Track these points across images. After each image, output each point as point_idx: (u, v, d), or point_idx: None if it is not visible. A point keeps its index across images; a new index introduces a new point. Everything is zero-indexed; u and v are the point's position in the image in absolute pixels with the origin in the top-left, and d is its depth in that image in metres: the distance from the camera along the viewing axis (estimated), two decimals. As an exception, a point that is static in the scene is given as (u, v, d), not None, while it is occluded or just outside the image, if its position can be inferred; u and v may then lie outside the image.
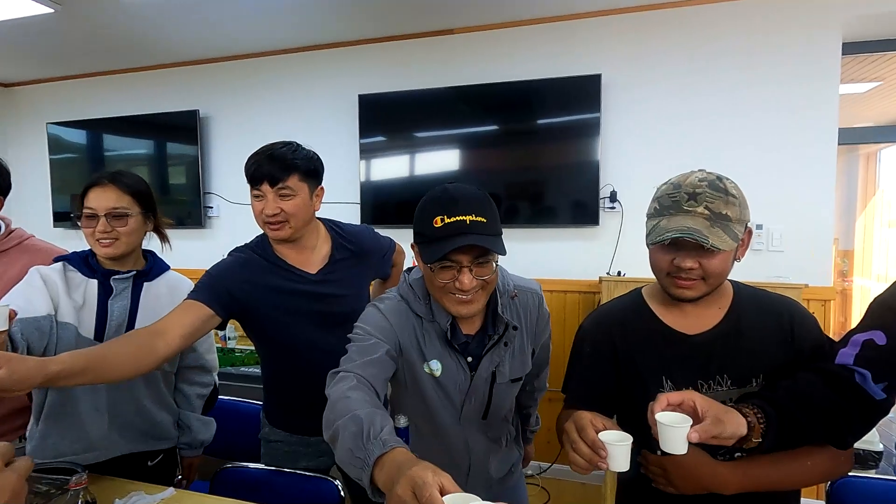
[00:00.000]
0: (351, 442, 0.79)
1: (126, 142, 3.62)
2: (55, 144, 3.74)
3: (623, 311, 1.11)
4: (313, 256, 1.38)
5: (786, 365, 0.99)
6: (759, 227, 2.52)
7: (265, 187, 1.26)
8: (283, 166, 1.25)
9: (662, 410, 0.84)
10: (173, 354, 1.18)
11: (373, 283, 1.60)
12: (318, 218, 1.41)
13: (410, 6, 2.65)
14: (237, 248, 1.39)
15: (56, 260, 1.34)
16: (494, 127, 2.88)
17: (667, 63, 2.64)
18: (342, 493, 1.31)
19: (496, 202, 1.04)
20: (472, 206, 0.96)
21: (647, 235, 0.98)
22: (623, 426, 1.02)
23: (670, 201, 0.96)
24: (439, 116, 2.93)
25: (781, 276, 2.42)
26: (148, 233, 1.41)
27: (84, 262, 1.34)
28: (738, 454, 0.98)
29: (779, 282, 2.27)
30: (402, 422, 0.99)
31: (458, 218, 0.94)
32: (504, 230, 1.03)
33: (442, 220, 0.95)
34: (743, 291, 1.07)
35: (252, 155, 1.30)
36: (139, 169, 3.60)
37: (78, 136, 3.71)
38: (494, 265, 1.00)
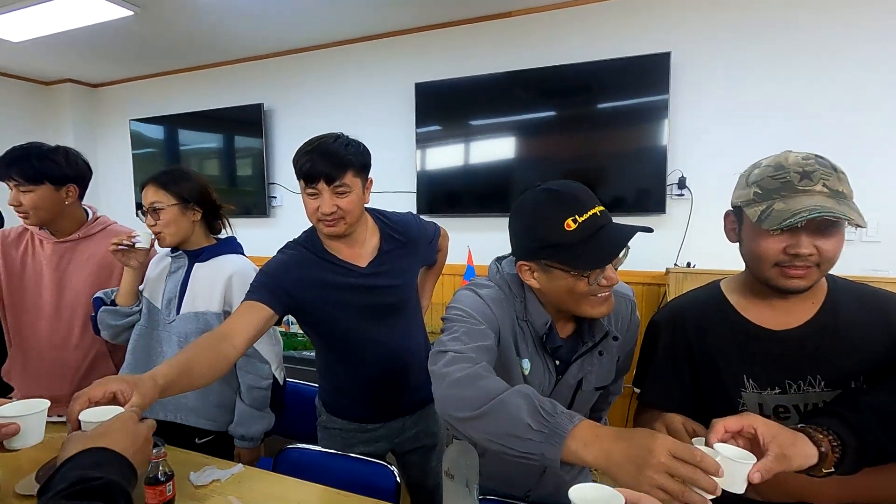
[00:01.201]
0: (529, 417, 0.76)
1: (198, 136, 3.83)
2: (137, 140, 4.03)
3: (700, 305, 1.03)
4: (363, 250, 1.36)
5: (889, 367, 0.88)
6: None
7: (321, 185, 1.23)
8: (338, 163, 1.22)
9: (720, 440, 0.74)
10: (240, 355, 1.19)
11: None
12: (368, 210, 1.40)
13: (467, -10, 2.60)
14: (288, 244, 1.38)
15: None
16: (552, 112, 2.78)
17: (742, 41, 2.43)
18: (398, 479, 1.32)
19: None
20: (591, 198, 0.91)
21: (761, 221, 0.86)
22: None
23: (778, 183, 0.87)
24: (495, 103, 2.87)
25: (878, 268, 2.18)
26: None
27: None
28: None
29: (876, 275, 2.05)
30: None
31: (590, 213, 0.89)
32: None
33: (574, 220, 0.88)
34: (840, 284, 0.98)
35: (301, 150, 1.26)
36: (210, 162, 3.81)
37: (156, 132, 3.97)
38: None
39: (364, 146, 1.32)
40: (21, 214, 1.50)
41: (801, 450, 0.74)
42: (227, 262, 1.51)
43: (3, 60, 3.63)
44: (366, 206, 1.36)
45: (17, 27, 2.94)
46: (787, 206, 0.84)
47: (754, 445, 0.75)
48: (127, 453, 0.71)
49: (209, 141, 3.79)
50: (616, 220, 0.92)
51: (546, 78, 2.73)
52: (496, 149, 2.91)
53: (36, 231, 1.60)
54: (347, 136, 1.30)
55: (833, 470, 0.76)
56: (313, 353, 2.52)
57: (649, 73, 2.53)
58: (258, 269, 1.39)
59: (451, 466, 0.89)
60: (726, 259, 2.31)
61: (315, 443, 1.49)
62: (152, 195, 1.43)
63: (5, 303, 1.61)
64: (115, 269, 1.59)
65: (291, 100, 3.51)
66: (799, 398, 0.92)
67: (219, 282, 1.45)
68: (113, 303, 1.49)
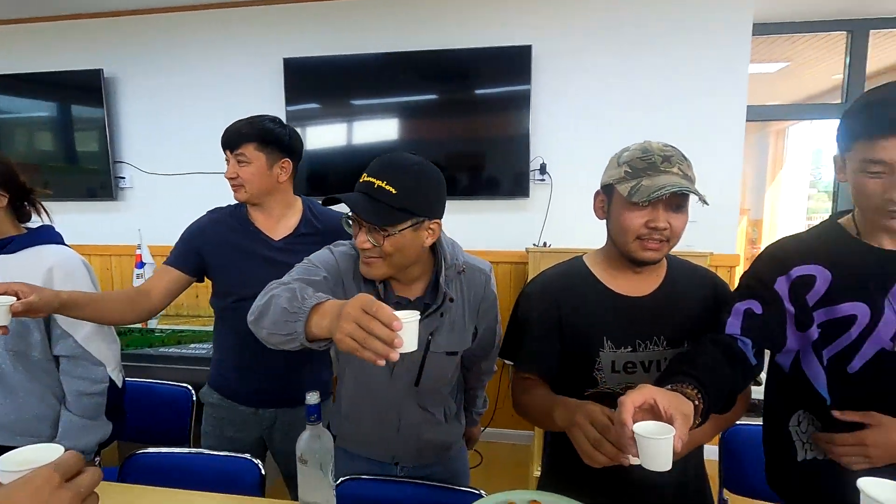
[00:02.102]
0: (286, 303, 0.87)
1: (24, 103, 3.24)
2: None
3: (566, 276, 1.15)
4: (279, 225, 1.48)
5: (708, 329, 1.05)
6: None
7: (227, 153, 1.42)
8: (239, 136, 1.39)
9: (631, 418, 0.75)
10: (157, 310, 1.42)
11: None
12: (301, 196, 1.53)
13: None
14: (215, 207, 1.54)
15: None
16: (434, 96, 2.83)
17: (594, 40, 2.68)
18: (262, 472, 1.30)
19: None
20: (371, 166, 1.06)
21: (630, 196, 0.98)
22: (561, 389, 1.09)
23: (645, 164, 1.00)
24: (376, 84, 2.83)
25: (689, 244, 2.60)
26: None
27: None
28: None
29: (687, 250, 2.43)
30: (313, 398, 0.98)
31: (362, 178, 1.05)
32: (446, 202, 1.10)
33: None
34: (675, 261, 1.16)
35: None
36: (42, 134, 3.27)
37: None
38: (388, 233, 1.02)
39: (278, 128, 1.44)
40: None
41: (689, 407, 0.80)
42: (44, 253, 1.31)
43: None
44: (306, 196, 1.54)
45: None
46: (653, 182, 0.97)
47: (654, 415, 0.77)
48: None
49: (39, 109, 3.24)
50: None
51: (426, 61, 2.76)
52: (380, 130, 2.89)
53: None
54: (272, 119, 1.45)
55: (700, 421, 0.84)
56: (171, 350, 2.37)
57: (514, 63, 2.68)
58: (85, 260, 1.29)
59: (304, 452, 0.91)
60: (578, 239, 2.62)
61: (179, 445, 1.41)
62: None
63: None
64: None
65: (140, 68, 3.12)
66: (645, 356, 1.08)
67: (36, 277, 1.24)
68: None
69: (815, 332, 0.97)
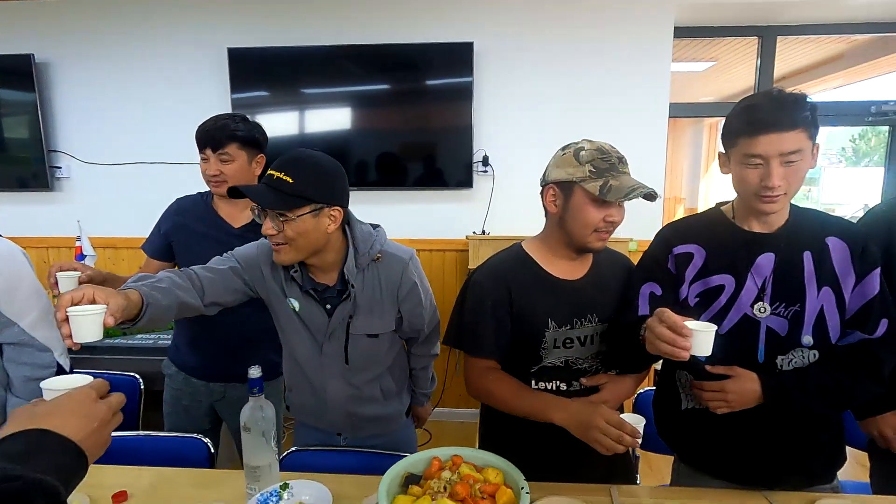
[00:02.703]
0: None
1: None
2: None
3: (511, 263, 1.25)
4: (241, 214, 1.59)
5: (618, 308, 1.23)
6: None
7: (207, 151, 1.52)
8: (223, 135, 1.51)
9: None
10: None
11: None
12: None
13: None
14: (183, 196, 1.67)
15: None
16: (385, 86, 2.89)
17: (532, 36, 2.83)
18: (211, 450, 1.38)
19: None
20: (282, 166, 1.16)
21: (604, 194, 1.08)
22: (509, 367, 1.23)
23: (607, 164, 1.11)
24: (327, 73, 2.88)
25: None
26: None
27: None
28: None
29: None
30: (255, 372, 1.07)
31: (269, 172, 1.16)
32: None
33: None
34: None
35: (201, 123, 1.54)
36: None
37: None
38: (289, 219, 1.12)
39: (257, 127, 1.58)
40: None
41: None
42: None
43: None
44: None
45: None
46: (621, 183, 1.09)
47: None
48: (76, 437, 0.59)
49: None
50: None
51: (375, 54, 2.83)
52: (332, 118, 2.93)
53: None
54: (245, 118, 1.58)
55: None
56: (119, 341, 2.35)
57: (457, 58, 2.78)
58: (24, 252, 1.33)
59: (247, 421, 1.01)
60: (517, 228, 2.78)
61: (131, 430, 1.48)
62: None
63: None
64: None
65: (75, 53, 3.01)
66: (580, 332, 1.21)
67: None
68: None
69: (693, 300, 1.16)
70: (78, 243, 2.79)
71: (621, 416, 1.02)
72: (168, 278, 1.16)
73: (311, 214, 1.13)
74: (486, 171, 2.93)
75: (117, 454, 1.35)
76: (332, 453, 1.33)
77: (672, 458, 1.37)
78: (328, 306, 1.27)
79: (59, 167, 3.10)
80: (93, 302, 0.92)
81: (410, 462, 1.05)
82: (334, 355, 1.29)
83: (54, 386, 0.73)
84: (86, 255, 2.79)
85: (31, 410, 0.62)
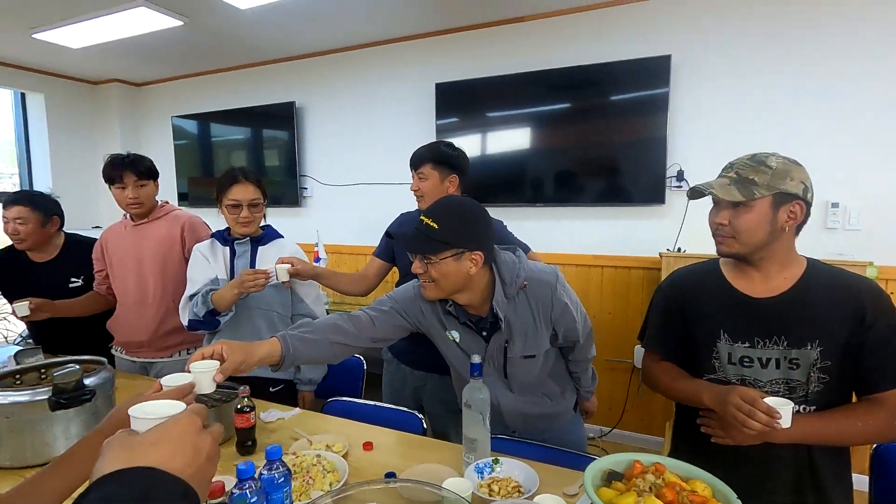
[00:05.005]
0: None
1: (231, 130, 4.13)
2: (178, 134, 4.36)
3: (697, 274, 1.28)
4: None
5: (851, 338, 1.10)
6: (835, 205, 2.50)
7: (412, 171, 1.84)
8: (420, 158, 1.80)
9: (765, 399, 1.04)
10: (373, 288, 1.96)
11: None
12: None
13: (483, -2, 2.84)
14: (406, 212, 1.98)
15: (211, 236, 1.90)
16: (566, 105, 2.98)
17: (735, 47, 2.64)
18: (424, 426, 1.61)
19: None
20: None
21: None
22: (687, 370, 1.28)
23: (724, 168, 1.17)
24: (510, 99, 3.09)
25: (843, 253, 2.41)
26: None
27: (220, 236, 1.85)
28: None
29: (841, 259, 2.27)
30: (476, 359, 1.24)
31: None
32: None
33: None
34: (818, 266, 1.18)
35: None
36: (237, 154, 4.13)
37: (192, 127, 4.30)
38: None
39: (457, 151, 1.85)
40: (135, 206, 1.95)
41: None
42: (284, 242, 1.89)
43: (61, 64, 3.98)
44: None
45: (77, 36, 3.27)
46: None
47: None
48: (184, 474, 0.48)
49: (238, 134, 4.09)
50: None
51: (559, 78, 2.95)
52: (512, 138, 3.12)
53: (122, 219, 2.03)
54: (449, 142, 1.89)
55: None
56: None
57: (652, 73, 2.73)
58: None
59: (468, 399, 1.18)
60: (712, 245, 2.56)
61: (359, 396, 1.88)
62: (252, 192, 1.74)
63: (113, 272, 2.05)
64: (175, 243, 2.00)
65: (321, 98, 3.80)
66: (762, 353, 1.15)
67: (285, 254, 1.80)
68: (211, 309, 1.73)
69: None
70: (316, 249, 3.47)
71: (766, 398, 1.04)
72: (328, 327, 1.34)
73: (452, 258, 1.22)
74: (679, 187, 2.79)
75: (357, 414, 1.69)
76: (507, 442, 1.43)
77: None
78: (484, 333, 1.36)
79: (306, 188, 3.91)
80: (221, 358, 1.10)
81: (612, 461, 1.08)
82: (495, 374, 1.40)
83: (143, 414, 0.61)
84: (320, 258, 3.45)
85: (126, 441, 0.50)
